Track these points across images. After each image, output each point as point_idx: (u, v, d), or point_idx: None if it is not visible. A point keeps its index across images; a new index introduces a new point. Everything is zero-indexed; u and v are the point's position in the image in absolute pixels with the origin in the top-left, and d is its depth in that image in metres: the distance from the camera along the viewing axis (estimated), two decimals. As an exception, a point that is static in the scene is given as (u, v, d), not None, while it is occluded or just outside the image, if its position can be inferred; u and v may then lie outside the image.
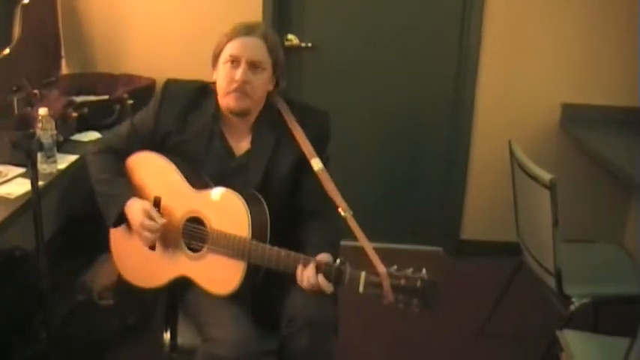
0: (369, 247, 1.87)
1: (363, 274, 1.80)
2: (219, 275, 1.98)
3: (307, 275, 1.85)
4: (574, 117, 3.65)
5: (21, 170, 2.39)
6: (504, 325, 3.16)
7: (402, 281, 1.77)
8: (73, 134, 2.88)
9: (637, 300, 2.53)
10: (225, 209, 1.97)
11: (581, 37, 3.60)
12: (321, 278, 1.83)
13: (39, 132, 2.37)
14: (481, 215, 3.91)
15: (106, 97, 3.28)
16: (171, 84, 2.14)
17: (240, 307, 1.98)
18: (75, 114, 2.92)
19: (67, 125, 2.83)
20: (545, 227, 2.46)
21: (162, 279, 2.09)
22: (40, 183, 2.13)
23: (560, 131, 3.70)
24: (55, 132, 2.45)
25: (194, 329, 2.05)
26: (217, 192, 1.99)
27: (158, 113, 2.10)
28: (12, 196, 2.21)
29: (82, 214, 3.22)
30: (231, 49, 2.01)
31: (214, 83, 2.08)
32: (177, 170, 2.06)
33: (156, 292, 2.17)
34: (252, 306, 2.02)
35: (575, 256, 2.78)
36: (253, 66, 2.00)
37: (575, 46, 3.62)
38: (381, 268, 1.78)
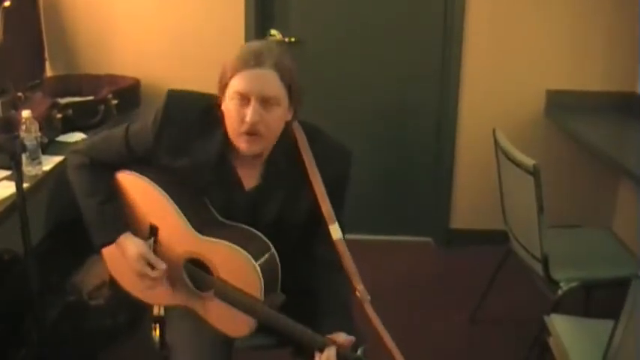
0: (392, 344, 1.71)
1: None
2: (228, 320, 1.84)
3: (328, 356, 1.67)
4: (559, 103, 3.66)
5: (6, 173, 2.39)
6: (495, 312, 3.18)
7: None
8: (58, 136, 2.88)
9: (625, 283, 2.54)
10: (235, 267, 1.79)
11: (566, 24, 3.62)
12: None
13: (23, 134, 2.37)
14: (470, 204, 3.93)
15: (90, 97, 3.28)
16: (174, 99, 1.86)
17: (207, 334, 1.88)
18: (59, 115, 2.92)
19: (51, 127, 2.83)
20: (530, 213, 2.47)
21: (162, 302, 2.00)
22: (26, 185, 2.14)
23: (545, 118, 3.72)
24: (39, 134, 2.45)
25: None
26: (227, 248, 1.79)
27: (160, 134, 1.84)
28: (-3, 199, 2.22)
29: (70, 216, 3.22)
30: (238, 84, 1.72)
31: (219, 104, 1.83)
32: (176, 208, 1.85)
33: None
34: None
35: (562, 241, 2.80)
36: (265, 102, 1.73)
37: (559, 32, 3.63)
38: None
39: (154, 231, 1.90)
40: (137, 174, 1.92)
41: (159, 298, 1.97)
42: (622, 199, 3.78)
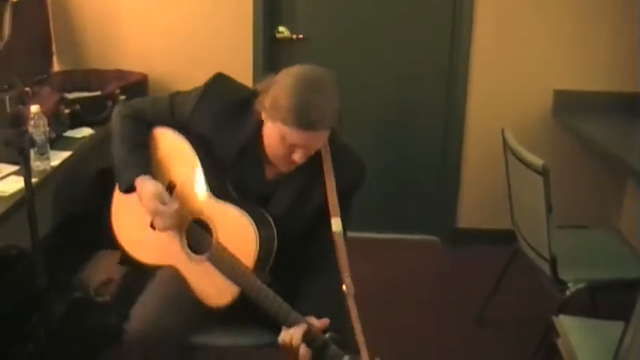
0: (359, 331, 1.74)
1: (346, 357, 1.70)
2: (211, 287, 1.92)
3: (293, 335, 1.74)
4: (566, 103, 3.65)
5: (14, 168, 2.38)
6: (501, 312, 3.17)
7: None
8: (65, 131, 2.88)
9: (633, 284, 2.54)
10: (237, 232, 1.88)
11: (573, 23, 3.60)
12: (303, 347, 1.73)
13: (31, 129, 2.37)
14: (476, 203, 3.92)
15: (98, 93, 3.28)
16: (219, 80, 2.01)
17: (177, 297, 1.94)
18: (67, 110, 2.92)
19: (59, 122, 2.83)
20: (539, 213, 2.46)
21: (153, 259, 2.06)
22: (34, 180, 2.14)
23: (552, 118, 3.71)
24: (47, 129, 2.45)
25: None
26: (235, 212, 1.89)
27: (197, 105, 1.98)
28: (5, 194, 2.21)
29: (77, 211, 3.22)
30: (291, 137, 1.78)
31: (257, 101, 1.89)
32: (201, 168, 1.98)
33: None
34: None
35: (570, 241, 2.79)
36: (312, 150, 1.87)
37: (566, 32, 3.62)
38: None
39: (171, 187, 2.01)
40: (174, 130, 2.05)
41: (151, 253, 2.06)
42: (629, 199, 3.77)
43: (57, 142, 2.71)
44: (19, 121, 2.65)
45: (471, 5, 3.58)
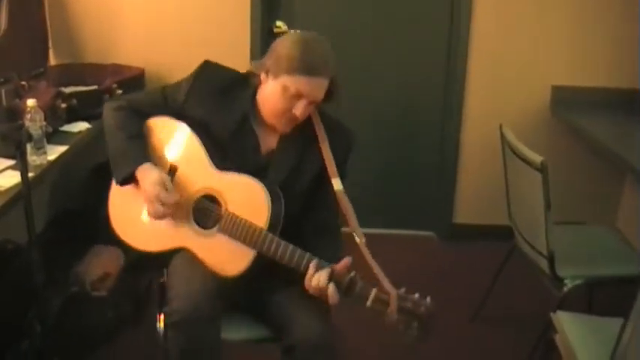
0: (377, 268, 1.88)
1: (374, 290, 1.82)
2: (225, 257, 1.95)
3: (319, 279, 1.82)
4: (564, 99, 3.65)
5: (10, 162, 2.36)
6: (499, 309, 3.17)
7: (409, 304, 1.81)
8: (62, 125, 2.86)
9: (631, 281, 2.54)
10: (247, 196, 1.95)
11: (571, 19, 3.60)
12: (331, 286, 1.82)
13: (28, 123, 2.35)
14: (473, 199, 3.92)
15: (94, 87, 3.26)
16: (209, 65, 2.07)
17: (207, 278, 1.92)
18: (64, 105, 2.90)
19: (56, 116, 2.81)
20: (537, 210, 2.46)
21: (160, 245, 2.03)
22: (30, 174, 2.12)
23: (550, 114, 3.71)
24: (44, 123, 2.43)
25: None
26: (242, 178, 1.97)
27: (191, 88, 2.04)
28: (2, 189, 2.20)
29: (74, 205, 3.21)
30: (298, 85, 1.91)
31: (253, 75, 2.03)
32: (202, 145, 2.02)
33: (150, 280, 2.14)
34: (242, 293, 2.01)
35: (567, 238, 2.78)
36: (313, 103, 1.96)
37: (564, 28, 3.62)
38: (392, 291, 1.82)
39: (172, 171, 2.04)
40: (169, 117, 2.09)
41: (159, 240, 2.04)
42: (626, 196, 3.78)
43: (53, 136, 2.70)
44: (15, 114, 2.63)
45: (470, 2, 3.58)
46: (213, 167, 2.00)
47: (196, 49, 3.64)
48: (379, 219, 3.88)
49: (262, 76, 1.98)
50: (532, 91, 3.71)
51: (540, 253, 2.56)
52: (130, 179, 2.01)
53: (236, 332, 2.02)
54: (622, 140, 3.08)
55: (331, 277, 1.82)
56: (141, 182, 1.98)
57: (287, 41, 1.95)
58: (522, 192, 2.68)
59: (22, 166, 2.00)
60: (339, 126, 2.11)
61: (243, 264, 1.92)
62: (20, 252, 2.64)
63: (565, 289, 2.50)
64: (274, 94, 1.94)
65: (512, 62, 3.68)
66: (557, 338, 2.17)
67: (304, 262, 1.86)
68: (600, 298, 2.90)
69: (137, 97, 2.19)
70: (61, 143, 2.66)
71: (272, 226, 1.92)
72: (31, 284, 2.13)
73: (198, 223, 2.00)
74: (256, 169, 2.00)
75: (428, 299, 1.83)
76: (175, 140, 2.07)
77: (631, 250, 2.81)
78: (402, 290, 1.83)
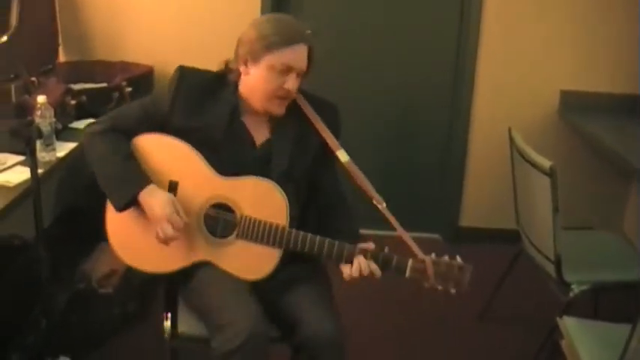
0: (407, 236, 1.99)
1: (410, 260, 1.95)
2: (250, 262, 1.96)
3: (359, 262, 1.91)
4: (573, 104, 3.64)
5: (20, 158, 2.38)
6: (504, 313, 3.17)
7: (443, 267, 1.95)
8: (71, 122, 2.87)
9: (637, 286, 2.53)
10: (260, 197, 1.95)
11: (580, 24, 3.60)
12: (372, 264, 1.92)
13: (38, 120, 2.36)
14: (480, 202, 3.91)
15: (104, 84, 3.27)
16: (187, 70, 2.03)
17: (244, 291, 1.93)
18: (73, 102, 2.91)
19: (65, 113, 2.82)
20: (545, 214, 2.46)
21: (177, 264, 2.00)
22: (40, 171, 2.12)
23: (559, 118, 3.70)
24: (53, 120, 2.44)
25: (195, 317, 2.04)
26: (249, 180, 1.96)
27: (175, 98, 1.98)
28: (11, 184, 2.21)
29: (81, 202, 3.21)
30: (281, 58, 1.92)
31: (231, 72, 2.03)
32: (198, 154, 1.97)
33: (156, 278, 2.12)
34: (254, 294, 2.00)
35: (574, 243, 2.77)
36: (301, 74, 1.97)
37: (573, 33, 3.61)
38: (426, 257, 1.95)
39: (173, 187, 1.98)
40: (157, 133, 2.01)
41: (175, 260, 2.00)
42: (633, 201, 3.77)
43: (63, 133, 2.70)
44: (25, 111, 2.64)
45: (479, 5, 3.57)
46: (216, 174, 1.97)
47: (205, 47, 3.64)
48: (385, 221, 3.87)
49: (241, 68, 1.98)
50: (540, 94, 3.71)
51: (547, 258, 2.55)
52: (130, 204, 1.94)
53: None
54: (629, 145, 3.07)
55: (366, 257, 1.92)
56: (146, 205, 1.91)
57: (253, 27, 1.96)
58: (530, 196, 2.68)
59: (32, 163, 2.00)
60: (323, 102, 2.12)
61: (271, 264, 1.95)
62: (27, 248, 2.64)
63: (571, 293, 2.49)
64: (261, 78, 1.95)
65: (521, 66, 3.68)
66: (563, 344, 2.16)
67: (336, 250, 1.92)
68: (606, 303, 2.89)
69: (119, 116, 2.05)
70: (70, 140, 2.66)
71: (291, 221, 1.95)
72: (37, 280, 2.13)
73: (212, 234, 1.98)
74: (256, 163, 2.01)
75: (458, 258, 1.97)
76: (169, 155, 2.00)
77: (637, 255, 2.80)
78: (433, 255, 1.95)
